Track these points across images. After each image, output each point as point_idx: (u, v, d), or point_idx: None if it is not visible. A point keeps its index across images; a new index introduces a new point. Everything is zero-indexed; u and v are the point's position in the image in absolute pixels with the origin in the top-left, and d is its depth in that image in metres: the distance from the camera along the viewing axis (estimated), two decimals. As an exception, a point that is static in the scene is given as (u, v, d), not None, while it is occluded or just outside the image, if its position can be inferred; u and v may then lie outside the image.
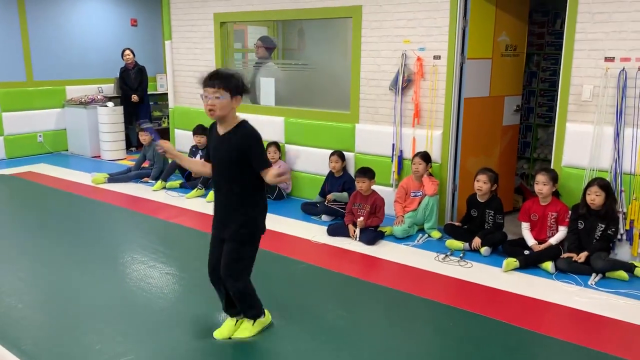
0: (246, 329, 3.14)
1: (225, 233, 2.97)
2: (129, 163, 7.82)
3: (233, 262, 2.96)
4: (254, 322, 3.14)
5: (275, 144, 6.03)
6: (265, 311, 3.20)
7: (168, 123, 8.18)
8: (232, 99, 2.82)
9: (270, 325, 3.23)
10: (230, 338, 3.11)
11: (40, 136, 8.45)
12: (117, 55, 8.62)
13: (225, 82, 2.79)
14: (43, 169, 7.54)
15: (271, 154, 5.89)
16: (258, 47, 6.78)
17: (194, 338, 3.13)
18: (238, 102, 2.86)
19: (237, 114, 2.94)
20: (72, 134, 8.64)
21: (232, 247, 2.95)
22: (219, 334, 3.12)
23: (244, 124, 2.92)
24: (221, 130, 2.92)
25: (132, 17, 9.37)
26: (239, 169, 2.88)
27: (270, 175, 2.84)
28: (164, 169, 6.75)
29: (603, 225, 4.13)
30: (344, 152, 5.61)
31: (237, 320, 3.17)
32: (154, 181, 6.71)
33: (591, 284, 3.90)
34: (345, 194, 5.39)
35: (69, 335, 3.15)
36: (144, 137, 7.05)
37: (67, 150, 8.75)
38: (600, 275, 3.98)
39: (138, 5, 9.40)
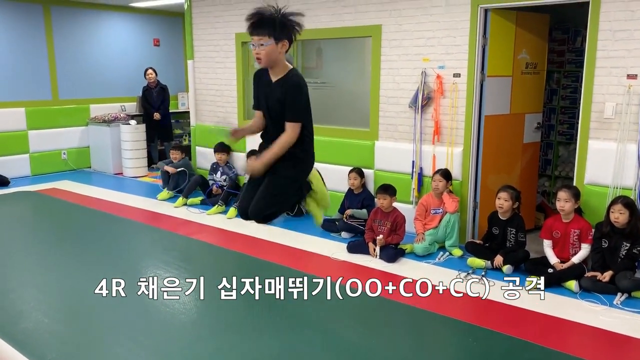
0: (316, 210, 3.27)
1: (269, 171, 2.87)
2: (151, 180, 7.93)
3: (273, 196, 2.90)
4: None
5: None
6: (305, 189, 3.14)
7: (189, 141, 8.30)
8: (277, 44, 2.71)
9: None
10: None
11: (64, 153, 8.62)
12: (140, 75, 8.80)
13: (269, 28, 2.68)
14: (66, 185, 7.68)
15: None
16: None
17: (216, 353, 3.15)
18: (285, 46, 2.75)
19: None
20: (95, 151, 8.80)
21: (275, 181, 2.87)
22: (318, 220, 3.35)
23: (291, 72, 2.82)
24: (273, 77, 2.83)
25: (155, 37, 9.57)
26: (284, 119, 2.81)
27: (261, 159, 2.77)
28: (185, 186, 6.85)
29: (628, 244, 4.07)
30: (363, 169, 5.63)
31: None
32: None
33: (617, 303, 3.83)
34: (364, 210, 5.39)
35: (94, 350, 3.19)
36: (175, 156, 7.14)
37: (90, 167, 8.90)
38: (625, 295, 3.91)
39: (161, 26, 9.61)
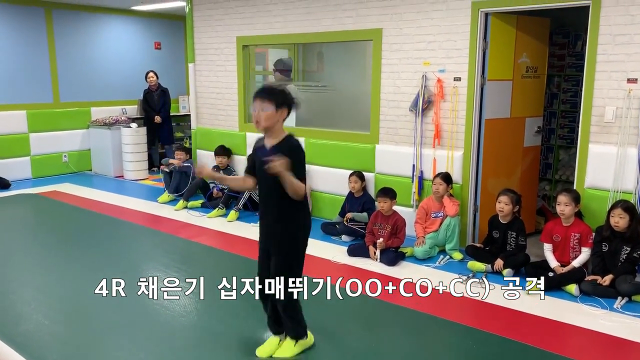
0: (288, 349, 3.12)
1: (270, 245, 3.02)
2: (152, 183, 7.94)
3: (280, 273, 2.97)
4: (296, 342, 3.13)
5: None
6: (309, 333, 3.20)
7: (189, 144, 8.31)
8: (277, 111, 2.88)
9: (312, 347, 3.21)
10: (271, 357, 3.11)
11: (65, 156, 8.64)
12: (141, 78, 8.82)
13: (271, 95, 2.89)
14: (67, 188, 7.69)
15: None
16: (274, 72, 6.90)
17: (214, 356, 3.15)
18: (283, 114, 2.92)
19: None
20: (96, 154, 8.82)
21: (278, 259, 2.98)
22: (262, 352, 3.13)
23: (290, 138, 2.95)
24: (268, 143, 2.96)
25: (156, 40, 9.61)
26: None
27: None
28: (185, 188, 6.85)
29: (628, 248, 4.07)
30: (364, 173, 5.64)
31: (280, 340, 3.18)
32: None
33: (617, 307, 3.83)
34: (364, 214, 5.39)
35: (94, 351, 3.19)
36: (180, 156, 7.16)
37: (91, 170, 8.91)
38: (626, 299, 3.91)
39: (162, 29, 9.64)
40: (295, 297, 3.02)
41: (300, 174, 2.88)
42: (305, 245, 3.07)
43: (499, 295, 4.06)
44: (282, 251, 2.99)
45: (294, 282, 2.97)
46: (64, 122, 8.53)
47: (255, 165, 3.04)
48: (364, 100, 5.83)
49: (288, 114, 2.96)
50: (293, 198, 2.88)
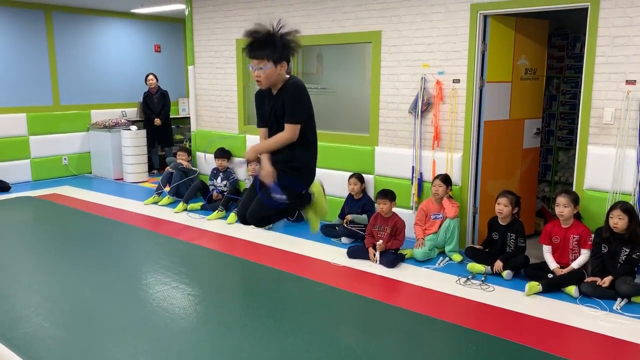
0: (314, 219, 3.25)
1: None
2: (152, 185, 7.95)
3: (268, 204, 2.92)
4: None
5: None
6: (309, 193, 3.17)
7: (189, 146, 8.32)
8: (276, 67, 2.77)
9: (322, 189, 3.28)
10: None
11: (65, 159, 8.64)
12: (141, 80, 8.83)
13: (267, 52, 2.72)
14: (67, 191, 7.69)
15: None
16: None
17: (216, 358, 3.15)
18: (284, 67, 2.80)
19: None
20: (96, 156, 8.82)
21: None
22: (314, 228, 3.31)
23: (290, 79, 2.86)
24: (274, 90, 2.89)
25: (156, 43, 9.62)
26: None
27: (265, 160, 2.82)
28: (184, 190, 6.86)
29: (627, 249, 4.08)
30: (364, 175, 5.64)
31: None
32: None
33: (616, 308, 3.83)
34: (364, 216, 5.40)
35: (93, 354, 3.19)
36: (182, 157, 7.22)
37: (91, 172, 8.92)
38: (625, 300, 3.92)
39: (162, 32, 9.66)
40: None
41: (298, 113, 2.79)
42: (309, 180, 3.04)
43: (498, 296, 4.07)
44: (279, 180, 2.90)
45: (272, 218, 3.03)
46: (63, 125, 8.54)
47: (265, 115, 2.95)
48: (364, 103, 5.84)
49: (288, 63, 2.82)
50: (302, 141, 2.84)
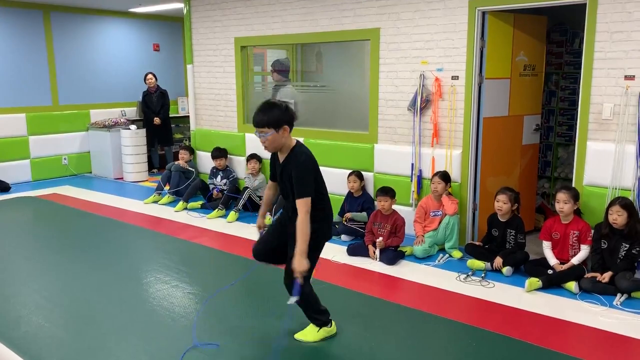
0: (311, 333, 3.29)
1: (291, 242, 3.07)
2: (152, 185, 7.95)
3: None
4: (319, 328, 3.29)
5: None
6: (332, 322, 3.34)
7: (189, 144, 8.31)
8: (278, 132, 2.98)
9: (335, 335, 3.35)
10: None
11: (65, 159, 8.65)
12: (140, 80, 8.83)
13: (268, 120, 2.96)
14: (67, 190, 7.70)
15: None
16: (272, 72, 6.90)
17: (216, 357, 3.15)
18: (286, 131, 3.02)
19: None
20: (95, 156, 8.82)
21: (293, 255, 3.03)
22: (299, 336, 3.31)
23: (295, 149, 3.07)
24: (281, 157, 3.11)
25: (155, 42, 9.61)
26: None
27: (299, 256, 2.91)
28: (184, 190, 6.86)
29: (627, 245, 4.08)
30: (363, 172, 5.64)
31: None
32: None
33: (616, 304, 3.84)
34: (364, 213, 5.40)
35: (94, 354, 3.19)
36: (183, 155, 7.20)
37: (91, 172, 8.92)
38: (625, 296, 3.92)
39: (160, 31, 9.65)
40: (309, 288, 3.14)
41: (306, 188, 2.96)
42: (318, 249, 3.16)
43: (498, 293, 4.08)
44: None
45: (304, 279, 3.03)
46: (63, 125, 8.55)
47: (275, 174, 3.21)
48: (363, 100, 5.84)
49: (291, 128, 3.03)
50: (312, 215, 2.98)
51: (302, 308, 3.20)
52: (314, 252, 3.07)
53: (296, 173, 2.98)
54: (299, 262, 2.90)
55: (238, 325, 3.52)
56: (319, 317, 3.28)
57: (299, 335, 3.31)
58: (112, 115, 8.91)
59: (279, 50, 7.32)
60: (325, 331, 3.30)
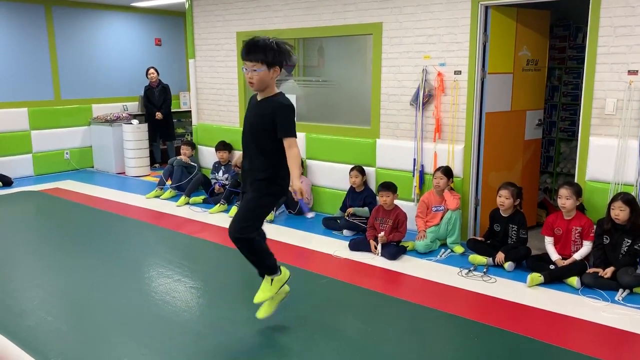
0: (265, 290, 3.19)
1: (247, 188, 3.10)
2: (154, 179, 7.96)
3: (246, 211, 3.06)
4: (271, 281, 3.19)
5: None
6: (282, 268, 3.26)
7: (191, 139, 8.32)
8: (269, 71, 2.90)
9: (289, 278, 3.30)
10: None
11: (67, 153, 8.66)
12: (142, 74, 8.82)
13: (262, 55, 2.87)
14: (69, 185, 7.71)
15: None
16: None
17: (219, 350, 3.16)
18: (276, 73, 2.94)
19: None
20: (97, 151, 8.83)
21: (249, 197, 3.06)
22: (258, 298, 3.19)
23: (279, 95, 3.00)
24: (260, 97, 3.04)
25: (157, 36, 9.60)
26: (263, 135, 3.01)
27: (295, 179, 2.92)
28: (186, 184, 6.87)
29: (629, 240, 4.07)
30: (365, 167, 5.64)
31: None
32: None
33: (618, 299, 3.84)
34: (365, 209, 5.40)
35: (97, 347, 3.20)
36: (185, 151, 7.19)
37: (93, 167, 8.93)
38: (627, 291, 3.92)
39: (162, 25, 9.63)
40: (253, 236, 3.07)
41: (285, 125, 2.92)
42: (272, 203, 3.15)
43: (500, 288, 4.08)
44: (255, 189, 3.06)
45: (246, 227, 3.02)
46: (65, 120, 8.55)
47: (245, 119, 3.14)
48: (365, 95, 5.83)
49: (280, 70, 2.96)
50: (270, 156, 2.99)
51: (247, 257, 3.14)
52: (272, 202, 3.11)
53: (282, 113, 2.93)
54: (296, 183, 2.93)
55: (236, 317, 3.53)
56: (265, 265, 3.18)
57: (257, 298, 3.19)
58: (114, 109, 8.91)
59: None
60: (278, 281, 3.20)
